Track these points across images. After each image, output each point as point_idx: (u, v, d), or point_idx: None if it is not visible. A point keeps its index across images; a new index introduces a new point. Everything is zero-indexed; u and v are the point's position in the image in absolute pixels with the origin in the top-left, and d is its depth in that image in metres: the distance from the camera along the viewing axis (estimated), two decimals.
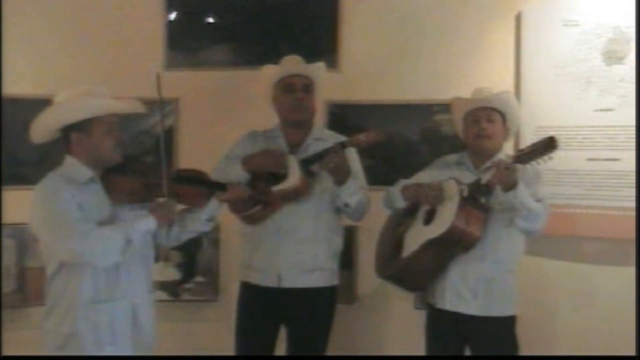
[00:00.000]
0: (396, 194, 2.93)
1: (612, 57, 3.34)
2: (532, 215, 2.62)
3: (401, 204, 2.93)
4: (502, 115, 2.85)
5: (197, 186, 2.59)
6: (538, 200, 2.66)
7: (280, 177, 2.85)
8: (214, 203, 2.61)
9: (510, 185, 2.55)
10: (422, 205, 2.83)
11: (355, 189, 2.85)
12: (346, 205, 2.87)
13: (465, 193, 2.70)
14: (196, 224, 2.63)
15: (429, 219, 2.79)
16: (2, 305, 3.40)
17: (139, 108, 2.56)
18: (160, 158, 2.50)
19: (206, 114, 3.68)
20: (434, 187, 2.76)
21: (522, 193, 2.58)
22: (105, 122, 2.44)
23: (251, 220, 2.91)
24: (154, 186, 2.48)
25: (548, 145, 2.49)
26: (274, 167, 2.84)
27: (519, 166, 2.55)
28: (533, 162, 2.54)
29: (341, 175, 2.80)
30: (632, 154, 3.26)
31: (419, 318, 2.99)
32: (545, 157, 2.51)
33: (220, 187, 2.61)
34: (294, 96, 2.93)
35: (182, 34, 3.77)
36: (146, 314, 2.52)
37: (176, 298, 3.73)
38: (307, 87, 2.96)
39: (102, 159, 2.45)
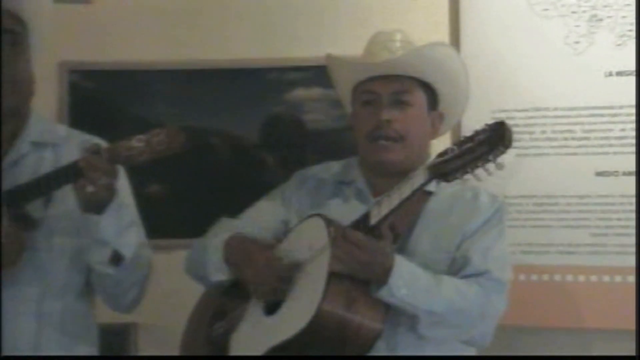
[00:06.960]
0: (211, 255, 1.99)
1: None
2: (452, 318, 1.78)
3: (222, 274, 1.97)
4: (429, 91, 1.93)
5: None
6: (481, 274, 1.76)
7: None
8: None
9: (377, 277, 1.73)
10: (254, 295, 1.98)
11: (127, 224, 1.91)
12: (116, 258, 1.86)
13: None
14: None
15: (275, 302, 2.00)
16: None
17: None
18: None
19: None
20: (283, 267, 1.89)
21: (404, 293, 1.70)
22: None
23: None
24: None
25: (493, 138, 1.66)
26: None
27: (442, 186, 1.79)
28: (467, 176, 1.71)
29: (99, 195, 1.83)
30: None
31: None
32: (491, 164, 1.63)
33: None
34: None
35: None
36: None
37: None
38: (15, 37, 2.00)
39: None
